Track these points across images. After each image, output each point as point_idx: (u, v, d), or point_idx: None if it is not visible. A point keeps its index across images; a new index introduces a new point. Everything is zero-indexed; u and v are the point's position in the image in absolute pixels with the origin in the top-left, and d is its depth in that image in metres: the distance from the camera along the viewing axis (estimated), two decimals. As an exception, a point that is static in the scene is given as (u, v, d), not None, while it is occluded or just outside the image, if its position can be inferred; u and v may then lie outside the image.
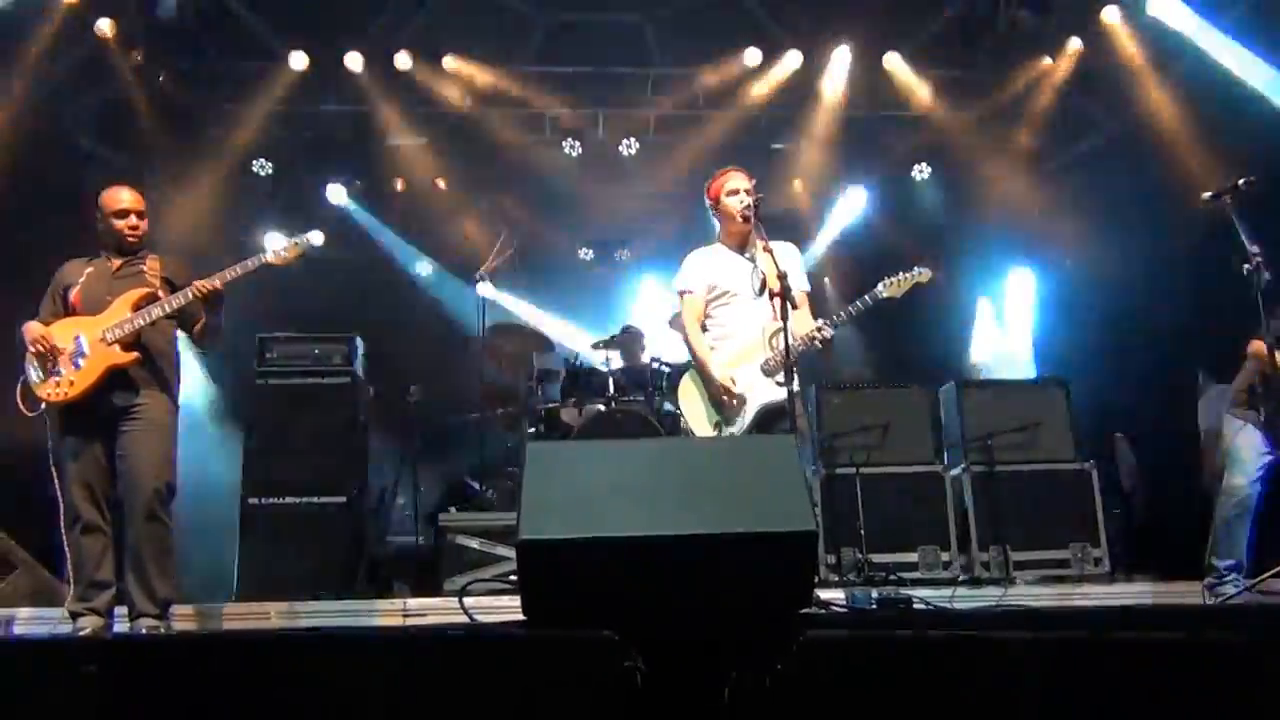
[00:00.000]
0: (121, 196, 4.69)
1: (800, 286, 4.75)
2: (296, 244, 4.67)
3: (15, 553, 5.57)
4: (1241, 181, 4.71)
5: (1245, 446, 4.98)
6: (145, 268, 4.63)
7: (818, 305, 4.90)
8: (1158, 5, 8.08)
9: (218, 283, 4.49)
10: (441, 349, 9.68)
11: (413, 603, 5.50)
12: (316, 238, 4.75)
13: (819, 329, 4.48)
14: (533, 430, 7.60)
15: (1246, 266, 4.61)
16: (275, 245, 4.67)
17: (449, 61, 9.09)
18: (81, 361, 4.34)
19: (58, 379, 4.33)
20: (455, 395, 8.57)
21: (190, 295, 4.46)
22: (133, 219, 4.66)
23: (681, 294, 4.89)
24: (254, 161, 9.53)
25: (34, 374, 4.38)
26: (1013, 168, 10.01)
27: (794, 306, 4.39)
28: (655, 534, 2.61)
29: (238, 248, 8.91)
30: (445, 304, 10.66)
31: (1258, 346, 5.09)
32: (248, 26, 8.64)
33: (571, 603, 2.69)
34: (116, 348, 4.38)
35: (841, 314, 4.57)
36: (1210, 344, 7.11)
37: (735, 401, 4.56)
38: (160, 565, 4.36)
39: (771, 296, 4.37)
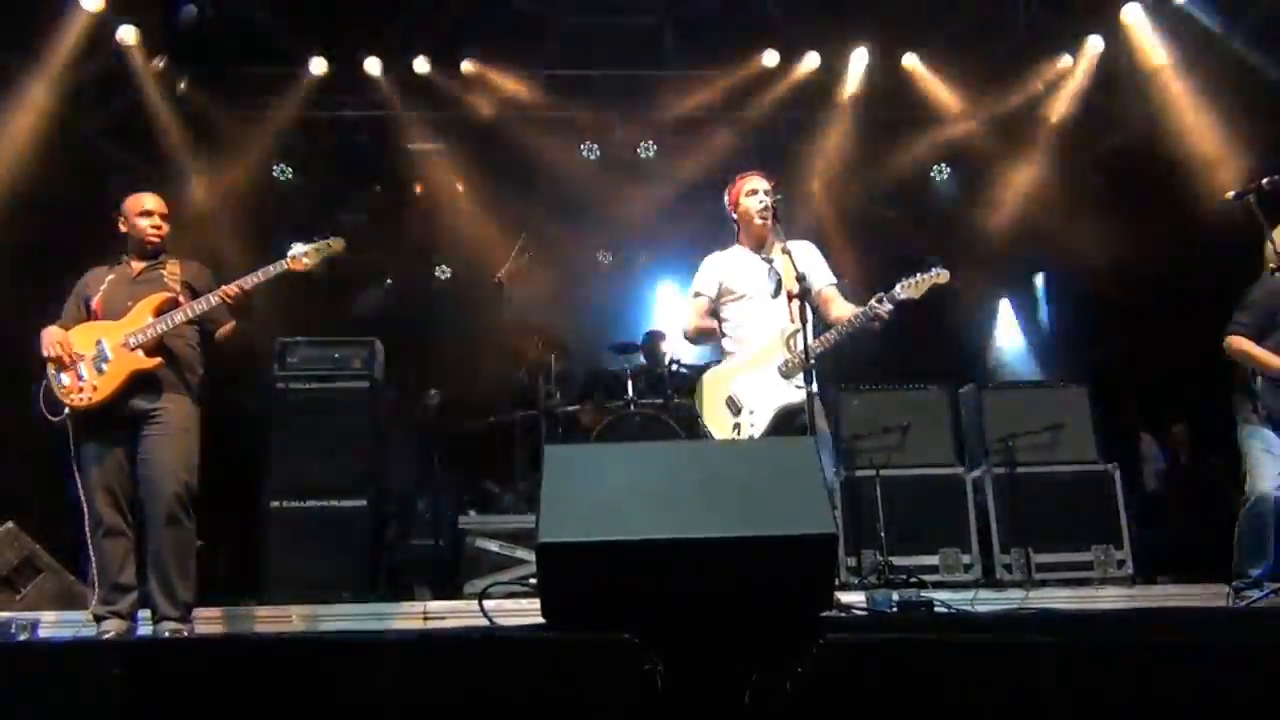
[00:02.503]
0: (145, 199, 4.73)
1: (828, 281, 4.75)
2: (318, 249, 4.66)
3: (41, 556, 5.61)
4: (1265, 181, 4.67)
5: (1258, 450, 4.87)
6: (165, 272, 4.64)
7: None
8: (1180, 3, 8.03)
9: (246, 286, 4.51)
10: (460, 352, 9.71)
11: (433, 606, 5.50)
12: (338, 243, 4.73)
13: (878, 300, 4.39)
14: (551, 433, 7.61)
15: (1272, 267, 4.57)
16: (297, 251, 4.64)
17: (467, 66, 9.12)
18: (105, 366, 4.36)
19: (81, 384, 4.35)
20: (474, 398, 8.59)
21: (214, 300, 4.48)
22: (156, 219, 4.69)
23: (692, 296, 4.87)
24: (274, 166, 9.59)
25: (57, 379, 4.40)
26: (1033, 167, 9.97)
27: (813, 309, 4.37)
28: (675, 537, 2.61)
29: (258, 253, 8.96)
30: (464, 308, 10.69)
31: (1234, 343, 5.03)
32: (267, 32, 8.70)
33: (591, 605, 2.69)
34: (140, 353, 4.39)
35: (869, 309, 4.48)
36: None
37: (757, 383, 4.53)
38: (182, 568, 4.38)
39: (790, 299, 4.35)
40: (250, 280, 4.52)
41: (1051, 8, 8.77)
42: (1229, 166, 7.37)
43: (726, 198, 4.86)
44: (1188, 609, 5.40)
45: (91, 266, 4.74)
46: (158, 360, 4.43)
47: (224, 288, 4.50)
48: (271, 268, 4.57)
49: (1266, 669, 2.26)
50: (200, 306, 4.49)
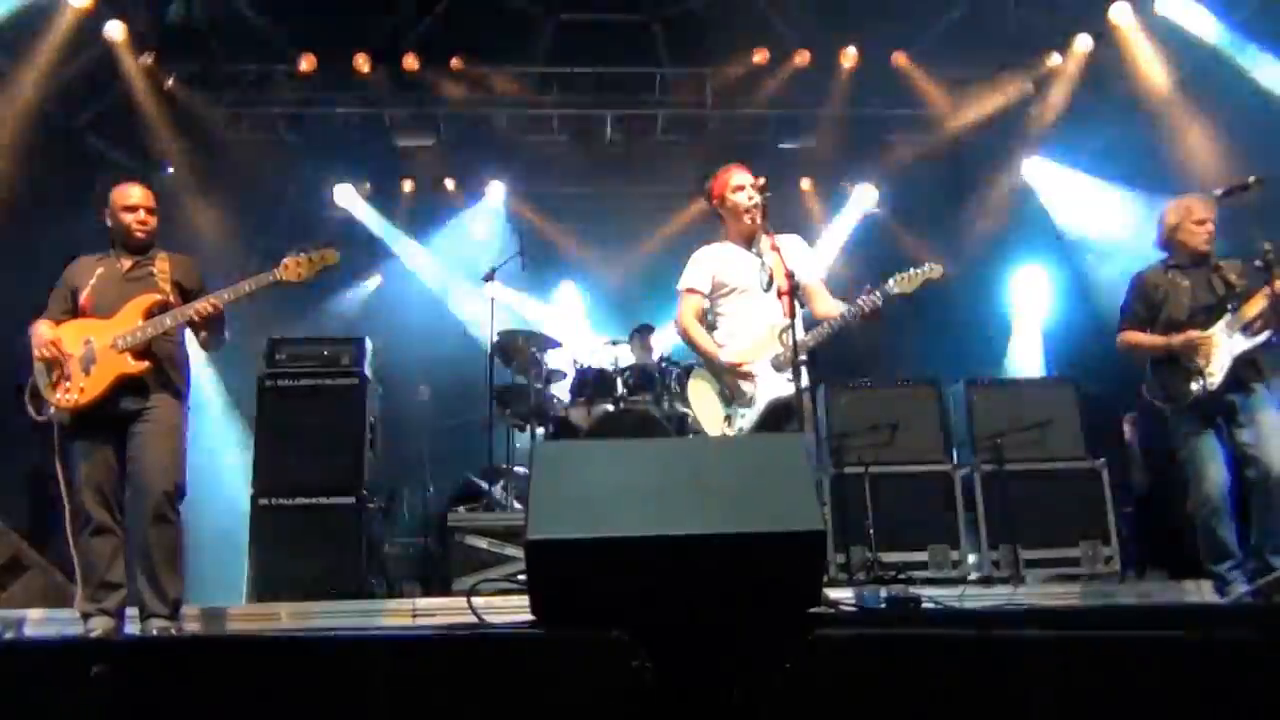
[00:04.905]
0: (131, 192, 4.67)
1: (815, 275, 4.77)
2: (311, 260, 4.55)
3: (27, 554, 5.60)
4: (1252, 179, 4.70)
5: (1198, 451, 4.85)
6: (155, 269, 4.60)
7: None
8: (1166, 3, 8.07)
9: (218, 303, 4.45)
10: (450, 349, 9.71)
11: (422, 603, 5.50)
12: (331, 255, 4.62)
13: (869, 294, 4.42)
14: (542, 430, 7.60)
15: (1258, 263, 4.60)
16: (289, 260, 4.53)
17: (457, 62, 9.10)
18: (92, 368, 4.33)
19: (67, 385, 4.32)
20: (464, 395, 8.59)
21: (205, 309, 4.42)
22: (141, 214, 4.63)
23: (684, 292, 4.87)
24: (262, 163, 9.56)
25: (43, 377, 4.37)
26: (1022, 165, 10.00)
27: (802, 305, 4.38)
28: (664, 534, 2.61)
29: (246, 250, 8.98)
30: (454, 304, 10.69)
31: (1123, 338, 5.09)
32: (256, 29, 8.66)
33: (580, 602, 2.69)
34: (128, 356, 4.36)
35: (860, 303, 4.48)
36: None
37: (748, 376, 4.53)
38: (170, 566, 4.36)
39: (780, 295, 4.36)
40: (243, 288, 4.47)
41: (1040, 6, 8.79)
42: (1217, 164, 7.40)
43: (710, 191, 4.86)
44: (1175, 604, 5.43)
45: (78, 255, 4.69)
46: (145, 365, 4.39)
47: (197, 305, 4.44)
48: (262, 277, 4.52)
49: (1251, 662, 2.28)
50: (187, 313, 4.46)
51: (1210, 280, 4.89)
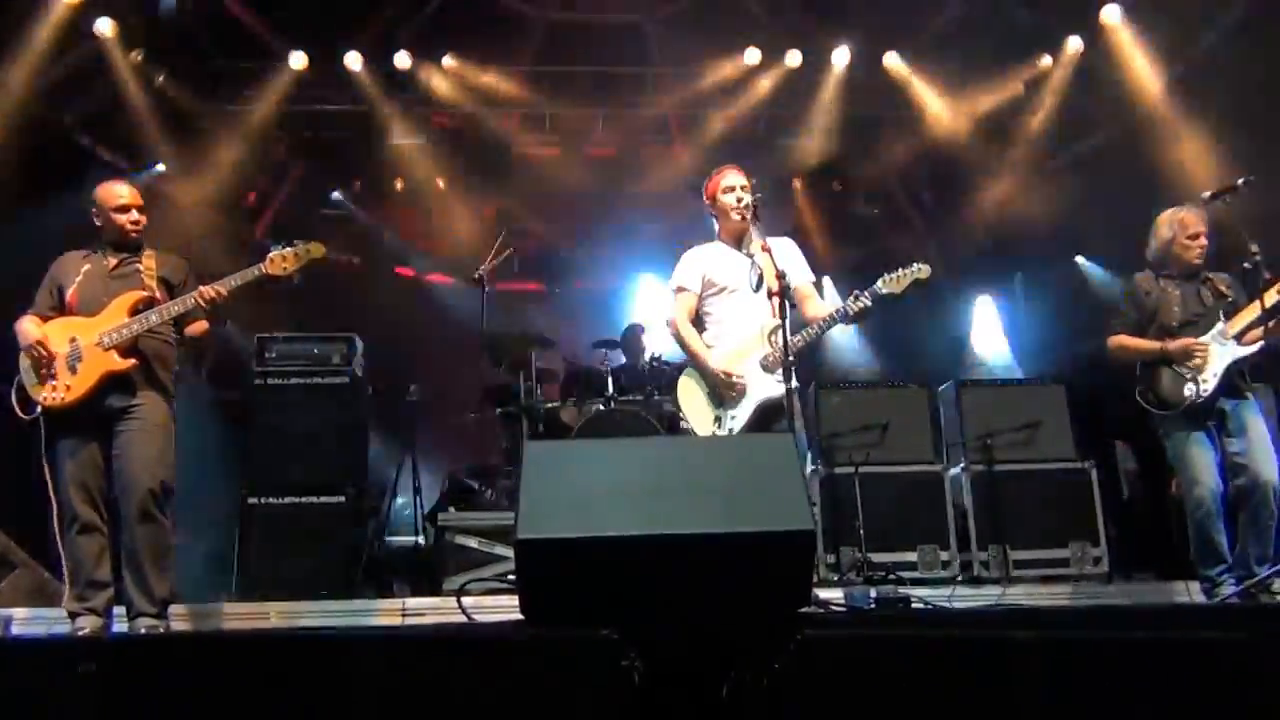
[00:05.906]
0: (120, 191, 4.65)
1: (806, 278, 4.77)
2: (297, 255, 4.55)
3: (14, 552, 5.56)
4: (1241, 181, 4.72)
5: (1186, 452, 4.87)
6: (141, 266, 4.58)
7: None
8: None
9: (223, 290, 4.46)
10: (441, 348, 9.69)
11: (412, 602, 5.49)
12: (317, 249, 4.62)
13: (856, 296, 4.44)
14: (532, 429, 7.59)
15: (1246, 265, 4.63)
16: (274, 255, 4.54)
17: (449, 61, 9.09)
18: (78, 366, 4.31)
19: (54, 383, 4.30)
20: (454, 395, 8.58)
21: (190, 303, 4.44)
22: (134, 214, 4.62)
23: (675, 291, 4.88)
24: (253, 161, 9.52)
25: (29, 376, 4.35)
26: (1012, 167, 10.02)
27: (793, 305, 4.40)
28: (654, 533, 2.61)
29: (237, 248, 8.95)
30: (444, 303, 10.67)
31: (1114, 341, 5.11)
32: (247, 26, 8.63)
33: (570, 602, 2.69)
34: (114, 354, 4.34)
35: (850, 303, 4.49)
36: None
37: (737, 386, 4.54)
38: (158, 565, 4.34)
39: (770, 295, 4.37)
40: (229, 283, 4.48)
41: (1031, 7, 8.81)
42: (1206, 166, 7.42)
43: (704, 192, 4.89)
44: (1162, 605, 5.45)
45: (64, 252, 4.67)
46: (131, 362, 4.38)
47: (200, 290, 4.44)
48: (248, 272, 4.51)
49: (1238, 663, 2.29)
50: (176, 309, 4.44)
51: (1200, 292, 4.96)
